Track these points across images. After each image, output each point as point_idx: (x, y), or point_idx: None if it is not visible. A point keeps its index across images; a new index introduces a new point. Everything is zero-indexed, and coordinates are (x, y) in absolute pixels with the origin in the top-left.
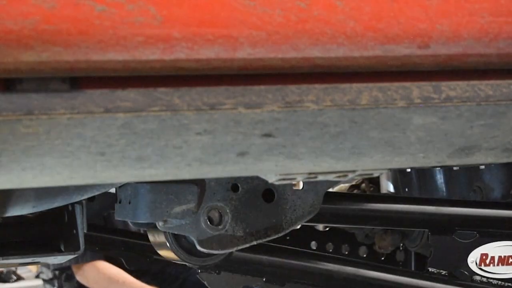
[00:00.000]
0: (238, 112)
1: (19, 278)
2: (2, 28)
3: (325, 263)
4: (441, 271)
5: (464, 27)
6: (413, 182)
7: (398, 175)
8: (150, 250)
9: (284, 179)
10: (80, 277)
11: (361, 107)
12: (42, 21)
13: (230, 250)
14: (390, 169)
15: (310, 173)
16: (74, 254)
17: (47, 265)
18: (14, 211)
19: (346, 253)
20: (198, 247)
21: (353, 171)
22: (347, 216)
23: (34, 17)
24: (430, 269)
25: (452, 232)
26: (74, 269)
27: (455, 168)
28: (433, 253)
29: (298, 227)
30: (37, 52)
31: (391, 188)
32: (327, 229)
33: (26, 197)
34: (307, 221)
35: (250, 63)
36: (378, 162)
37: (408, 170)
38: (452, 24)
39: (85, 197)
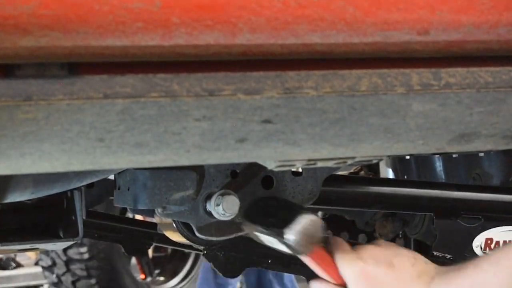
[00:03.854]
0: (237, 98)
1: (19, 265)
2: (0, 13)
3: None
4: (446, 255)
5: (464, 14)
6: (412, 169)
7: (397, 162)
8: (149, 236)
9: (283, 166)
10: None
11: (360, 93)
12: (41, 6)
13: (229, 237)
14: (389, 156)
15: (309, 160)
16: (73, 240)
17: (46, 253)
18: (13, 198)
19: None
20: (197, 234)
21: (352, 158)
22: (351, 199)
23: (33, 2)
24: (435, 253)
25: (457, 216)
26: None
27: (454, 156)
28: (438, 237)
29: None
30: (36, 38)
31: (390, 175)
32: (326, 216)
33: (25, 183)
34: (314, 205)
35: (249, 49)
36: (377, 149)
37: (407, 157)
38: (452, 11)
39: (84, 183)
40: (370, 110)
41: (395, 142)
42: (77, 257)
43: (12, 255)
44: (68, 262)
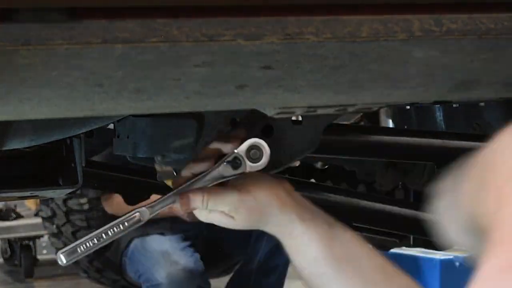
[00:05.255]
0: (237, 44)
1: (19, 216)
2: None
3: (331, 195)
4: None
5: None
6: (412, 119)
7: (397, 113)
8: (149, 186)
9: (283, 113)
10: (107, 206)
11: (361, 39)
12: None
13: None
14: (389, 104)
15: (309, 107)
16: (73, 188)
17: (46, 203)
18: (12, 144)
19: None
20: None
21: (353, 105)
22: (351, 148)
23: None
24: None
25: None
26: (102, 199)
27: (454, 106)
28: None
29: (297, 164)
30: None
31: (390, 126)
32: (326, 167)
33: (24, 130)
34: (314, 153)
35: None
36: (378, 96)
37: (408, 107)
38: None
39: (84, 130)
40: (370, 56)
41: (396, 89)
42: (77, 208)
43: (12, 206)
44: (68, 213)
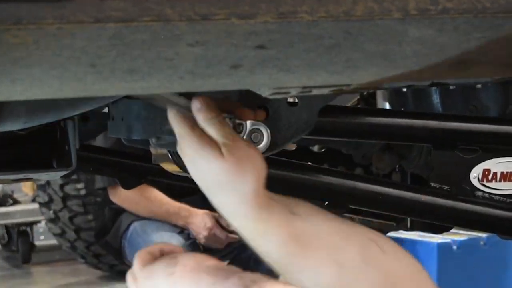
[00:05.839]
0: (230, 23)
1: (16, 201)
2: None
3: (326, 176)
4: (443, 186)
5: None
6: (409, 102)
7: (394, 95)
8: (145, 171)
9: (277, 93)
10: (113, 197)
11: (356, 18)
12: None
13: None
14: (386, 88)
15: (304, 87)
16: (67, 170)
17: (43, 189)
18: (6, 127)
19: None
20: None
21: (348, 85)
22: (347, 130)
23: None
24: (432, 184)
25: (454, 147)
26: (109, 190)
27: (451, 88)
28: (436, 169)
29: (294, 147)
30: None
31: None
32: (323, 150)
33: (18, 113)
34: (309, 135)
35: None
36: (373, 76)
37: (404, 89)
38: None
39: (77, 112)
40: (365, 35)
41: (391, 69)
42: (74, 193)
43: (9, 191)
44: (65, 198)
